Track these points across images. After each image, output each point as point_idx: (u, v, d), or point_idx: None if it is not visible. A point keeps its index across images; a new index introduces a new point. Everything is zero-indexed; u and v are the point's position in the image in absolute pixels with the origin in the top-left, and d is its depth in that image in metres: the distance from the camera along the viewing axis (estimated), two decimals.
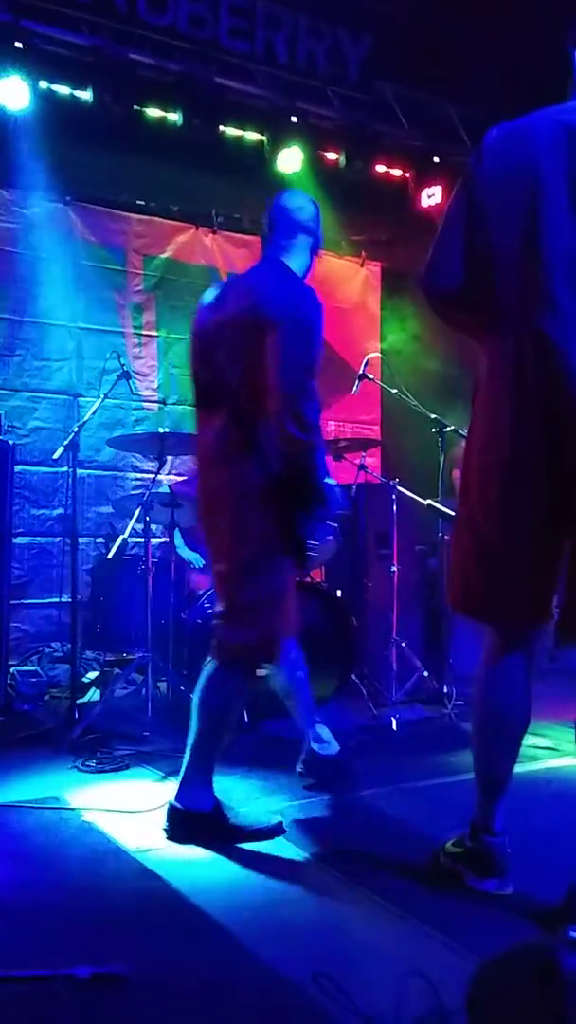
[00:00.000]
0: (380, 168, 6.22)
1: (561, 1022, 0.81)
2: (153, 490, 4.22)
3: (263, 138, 5.69)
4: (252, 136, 5.68)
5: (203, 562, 4.51)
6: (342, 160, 5.96)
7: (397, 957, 1.74)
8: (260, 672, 3.86)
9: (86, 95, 5.04)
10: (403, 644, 4.25)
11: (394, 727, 3.92)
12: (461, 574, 2.17)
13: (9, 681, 4.17)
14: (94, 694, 4.25)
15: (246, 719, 3.73)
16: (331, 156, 5.97)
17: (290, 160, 5.70)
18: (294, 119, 5.65)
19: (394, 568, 4.28)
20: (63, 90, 5.08)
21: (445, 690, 4.32)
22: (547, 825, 2.53)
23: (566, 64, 2.20)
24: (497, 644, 2.13)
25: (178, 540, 4.48)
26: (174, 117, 5.28)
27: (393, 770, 3.28)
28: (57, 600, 5.37)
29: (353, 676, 4.28)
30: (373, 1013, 1.32)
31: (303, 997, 1.53)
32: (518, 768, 2.16)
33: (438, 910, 2.02)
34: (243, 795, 2.90)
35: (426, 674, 4.32)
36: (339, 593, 4.60)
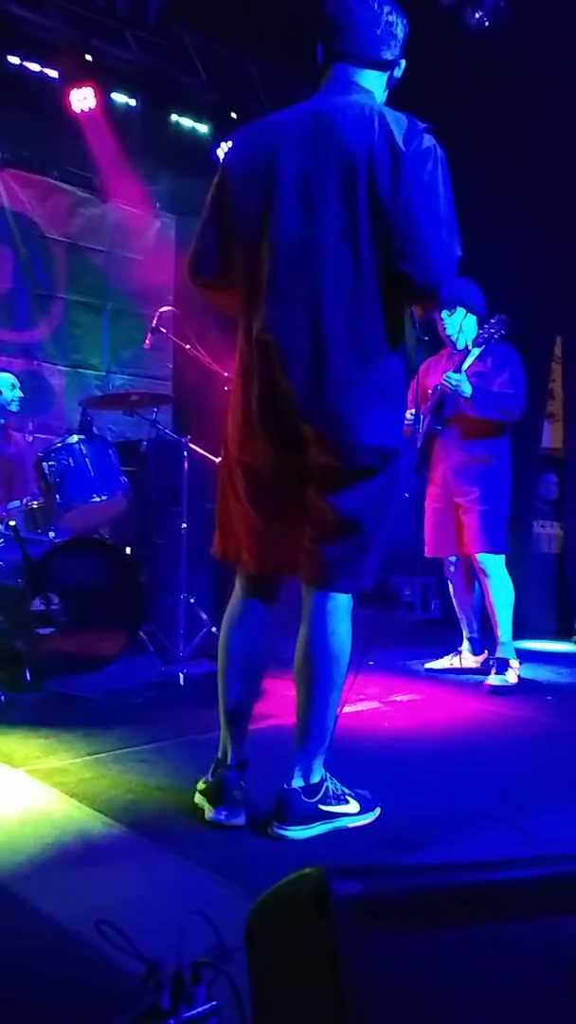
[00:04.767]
0: (176, 118, 6.11)
1: (333, 946, 0.86)
2: None
3: (55, 73, 5.44)
4: (44, 71, 5.41)
5: None
6: (138, 106, 5.81)
7: (178, 901, 1.78)
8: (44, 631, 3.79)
9: None
10: (191, 600, 4.29)
11: (181, 682, 3.96)
12: (216, 523, 2.44)
13: None
14: None
15: (28, 678, 3.64)
16: (127, 101, 5.80)
17: (83, 99, 5.48)
18: (88, 57, 5.43)
19: (184, 525, 4.29)
20: None
21: None
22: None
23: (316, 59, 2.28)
24: (240, 586, 2.39)
25: None
26: None
27: (180, 723, 3.32)
28: None
29: (141, 633, 4.28)
30: (155, 955, 1.34)
31: (88, 947, 1.53)
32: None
33: (218, 853, 2.08)
34: (26, 754, 2.84)
35: (214, 629, 4.39)
36: (128, 550, 4.57)
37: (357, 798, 2.29)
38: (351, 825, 2.25)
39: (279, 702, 3.05)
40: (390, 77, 2.26)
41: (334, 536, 2.19)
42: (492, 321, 4.00)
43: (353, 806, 2.27)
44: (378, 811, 2.31)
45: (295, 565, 2.28)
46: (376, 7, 2.17)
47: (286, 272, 2.12)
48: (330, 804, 2.22)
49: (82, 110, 5.52)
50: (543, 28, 4.77)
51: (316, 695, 2.20)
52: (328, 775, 2.26)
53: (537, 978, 0.96)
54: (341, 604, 2.22)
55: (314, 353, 2.10)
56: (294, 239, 2.11)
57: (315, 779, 2.22)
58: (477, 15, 4.90)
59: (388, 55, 2.21)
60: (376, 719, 3.44)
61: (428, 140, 2.08)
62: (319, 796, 2.21)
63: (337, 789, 2.26)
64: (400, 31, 2.22)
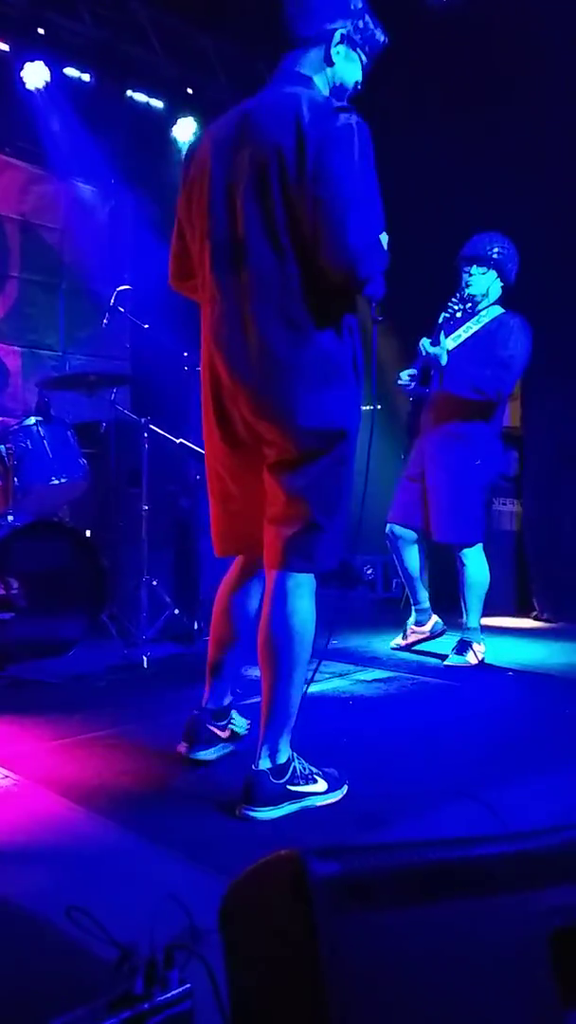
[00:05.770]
0: (133, 94, 6.02)
1: (312, 927, 0.86)
2: None
3: (6, 47, 5.31)
4: None
5: None
6: (92, 81, 5.71)
7: (148, 885, 1.77)
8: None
9: None
10: (154, 583, 4.26)
11: (145, 665, 3.94)
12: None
13: None
14: None
15: None
16: (81, 76, 5.69)
17: (35, 73, 5.37)
18: (41, 31, 5.31)
19: (145, 507, 4.26)
20: None
21: (196, 626, 4.40)
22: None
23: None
24: (237, 561, 2.58)
25: None
26: None
27: (145, 706, 3.30)
28: None
29: (103, 616, 4.24)
30: (127, 940, 1.33)
31: (58, 933, 1.52)
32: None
33: (190, 836, 2.07)
34: None
35: (177, 611, 4.37)
36: (88, 533, 4.52)
37: (325, 776, 2.30)
38: (319, 804, 2.26)
39: None
40: (328, 50, 2.22)
41: (284, 517, 2.25)
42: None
43: (321, 785, 2.28)
44: (345, 788, 2.33)
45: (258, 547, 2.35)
46: None
47: (220, 273, 2.23)
48: (298, 784, 2.24)
49: (35, 85, 5.41)
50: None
51: (278, 674, 2.22)
52: (295, 755, 2.27)
53: (513, 952, 0.97)
54: (301, 583, 2.24)
55: (248, 345, 2.18)
56: (224, 241, 2.21)
57: (282, 759, 2.23)
58: None
59: (320, 26, 2.20)
60: (339, 697, 3.46)
61: (342, 120, 2.07)
62: (287, 777, 2.22)
63: (304, 768, 2.27)
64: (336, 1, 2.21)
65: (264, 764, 2.21)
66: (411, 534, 4.21)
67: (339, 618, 4.66)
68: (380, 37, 2.29)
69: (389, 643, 4.51)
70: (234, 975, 1.04)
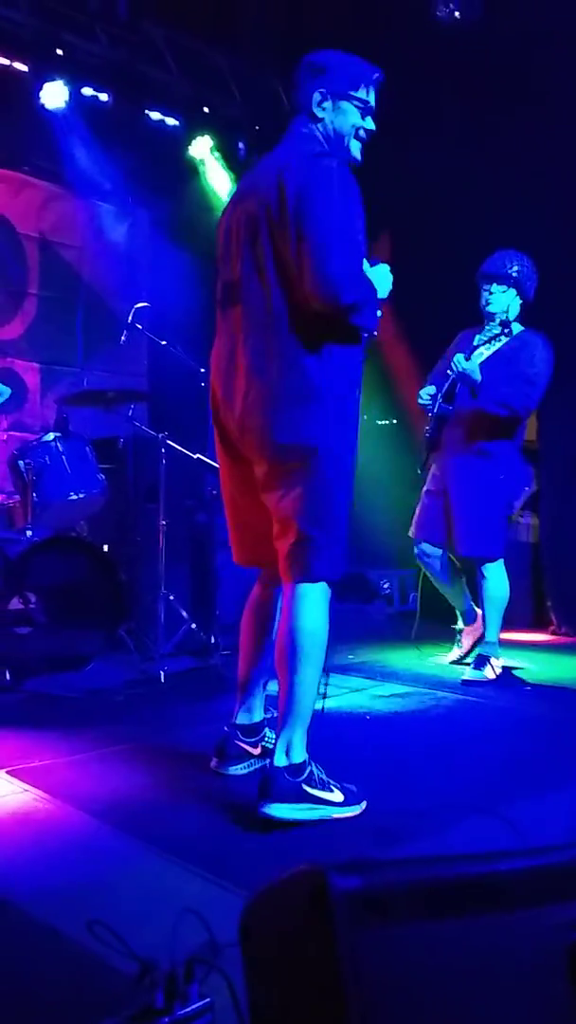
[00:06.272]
0: (149, 113, 6.09)
1: (333, 941, 0.87)
2: None
3: (25, 67, 5.39)
4: (14, 65, 5.36)
5: None
6: (109, 101, 5.78)
7: (168, 899, 1.78)
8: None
9: None
10: (171, 597, 4.28)
11: (162, 679, 3.96)
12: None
13: None
14: None
15: (7, 678, 3.62)
16: (99, 96, 5.76)
17: (54, 94, 5.45)
18: (59, 51, 5.39)
19: (163, 522, 4.28)
20: None
21: (212, 640, 4.41)
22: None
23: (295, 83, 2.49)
24: (260, 577, 2.70)
25: None
26: None
27: (162, 720, 3.32)
28: None
29: (121, 631, 4.27)
30: (148, 954, 1.34)
31: (80, 947, 1.53)
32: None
33: (208, 850, 2.08)
34: (7, 755, 2.82)
35: (194, 626, 4.39)
36: (105, 548, 4.55)
37: (342, 789, 2.32)
38: (336, 816, 2.27)
39: None
40: (312, 111, 2.42)
41: (280, 531, 2.39)
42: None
43: (337, 795, 2.30)
44: (364, 805, 2.34)
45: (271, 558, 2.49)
46: (301, 62, 2.45)
47: (223, 309, 2.48)
48: (314, 787, 2.27)
49: (54, 105, 5.48)
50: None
51: (287, 677, 2.31)
52: (313, 762, 2.31)
53: (530, 966, 0.97)
54: (308, 592, 2.34)
55: (236, 370, 2.40)
56: (228, 282, 2.46)
57: (296, 758, 2.27)
58: (448, 8, 4.92)
59: (303, 97, 2.44)
60: (356, 712, 3.46)
61: (322, 164, 2.28)
62: (303, 776, 2.26)
63: (321, 775, 2.31)
64: (312, 68, 2.42)
65: (278, 760, 2.26)
66: (438, 550, 4.25)
67: (356, 631, 4.68)
68: (366, 77, 2.44)
69: (409, 657, 4.51)
70: (254, 989, 1.05)
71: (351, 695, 3.73)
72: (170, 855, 2.05)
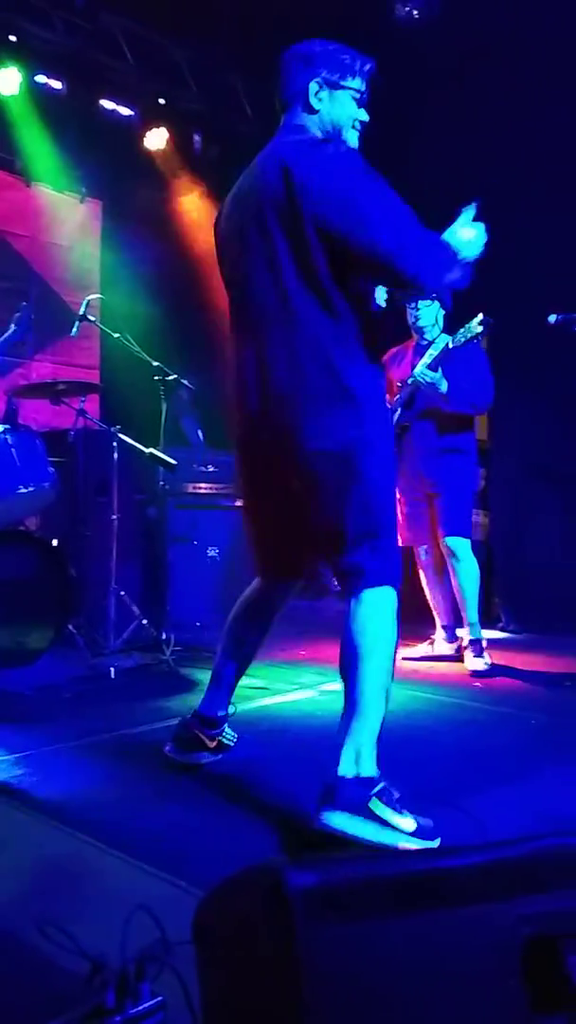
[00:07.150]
0: (104, 103, 6.02)
1: (289, 938, 0.86)
2: None
3: None
4: None
5: None
6: (64, 89, 5.71)
7: (118, 897, 1.76)
8: None
9: None
10: (122, 593, 4.24)
11: (112, 675, 3.92)
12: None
13: None
14: None
15: None
16: (53, 84, 5.69)
17: (8, 80, 5.36)
18: (13, 38, 5.31)
19: (114, 516, 4.24)
20: None
21: (163, 637, 4.38)
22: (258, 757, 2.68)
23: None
24: (258, 579, 2.62)
25: None
26: None
27: (112, 717, 3.28)
28: None
29: (70, 626, 4.21)
30: (98, 953, 1.33)
31: (30, 947, 1.51)
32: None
33: (157, 847, 2.06)
34: None
35: (144, 622, 4.35)
36: (55, 542, 4.49)
37: (416, 819, 2.10)
38: (403, 846, 2.03)
39: None
40: (307, 101, 2.32)
41: (328, 543, 2.27)
42: (477, 322, 3.95)
43: (409, 823, 2.07)
44: (438, 842, 2.07)
45: (297, 572, 2.54)
46: (288, 53, 2.36)
47: (237, 312, 2.40)
48: (384, 807, 2.06)
49: (6, 91, 5.40)
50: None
51: (355, 683, 2.17)
52: (386, 783, 2.12)
53: (485, 961, 0.98)
54: (369, 601, 2.21)
55: (260, 376, 2.29)
56: (238, 282, 2.38)
57: (366, 771, 2.11)
58: (407, 8, 4.94)
59: (295, 88, 2.34)
60: (309, 707, 3.46)
61: (329, 148, 2.20)
62: (373, 791, 2.07)
63: (395, 797, 2.11)
64: (303, 58, 2.33)
65: (345, 770, 2.11)
66: (428, 550, 4.52)
67: (309, 629, 4.68)
68: (359, 66, 2.35)
69: (403, 655, 4.54)
70: (208, 986, 1.05)
71: (301, 690, 3.74)
72: (122, 853, 2.03)
